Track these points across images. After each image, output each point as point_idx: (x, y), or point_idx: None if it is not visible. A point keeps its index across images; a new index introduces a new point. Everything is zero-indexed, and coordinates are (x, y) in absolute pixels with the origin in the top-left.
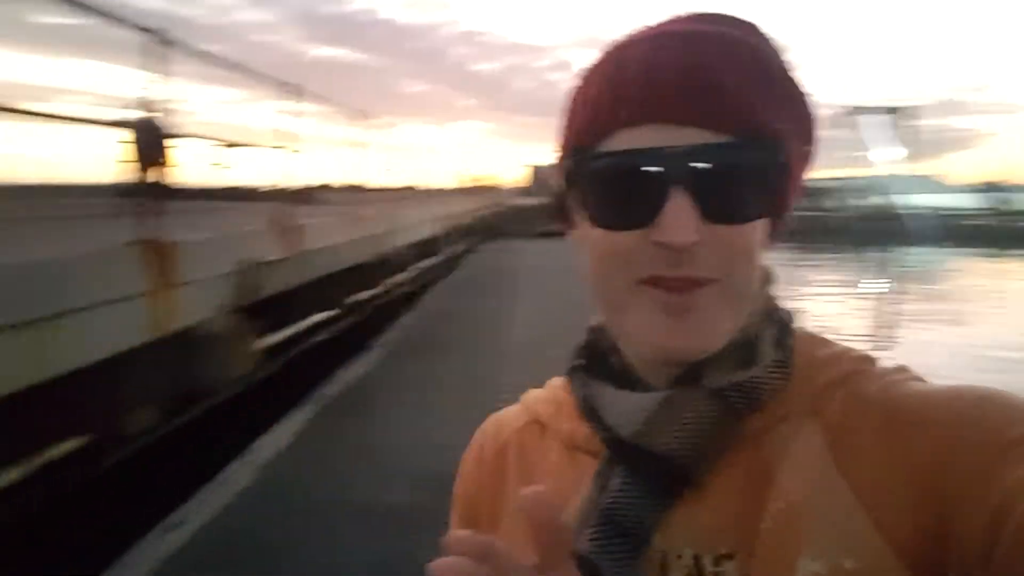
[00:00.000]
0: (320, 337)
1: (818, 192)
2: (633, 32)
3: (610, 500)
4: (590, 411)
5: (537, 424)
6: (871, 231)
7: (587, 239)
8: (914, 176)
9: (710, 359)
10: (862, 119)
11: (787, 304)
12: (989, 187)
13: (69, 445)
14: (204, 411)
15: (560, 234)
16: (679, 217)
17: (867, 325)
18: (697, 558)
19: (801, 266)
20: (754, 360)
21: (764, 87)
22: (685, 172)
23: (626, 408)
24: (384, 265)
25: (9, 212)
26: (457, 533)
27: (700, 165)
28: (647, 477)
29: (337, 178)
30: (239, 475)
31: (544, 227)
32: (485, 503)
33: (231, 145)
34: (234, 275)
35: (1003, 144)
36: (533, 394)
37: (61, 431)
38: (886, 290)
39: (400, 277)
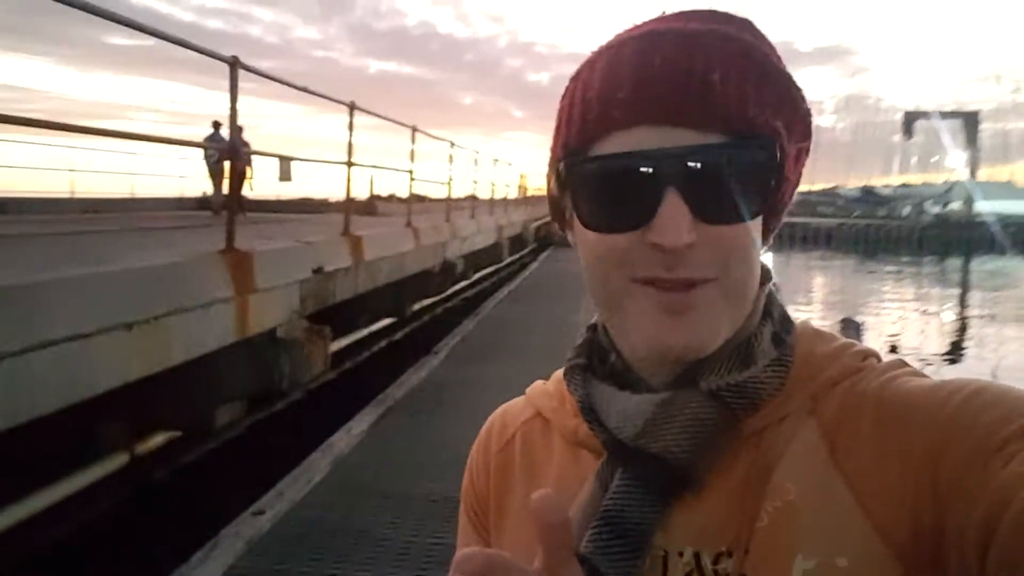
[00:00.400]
0: (388, 341)
1: (893, 199)
2: (624, 31)
3: (610, 502)
4: (589, 411)
5: (541, 418)
6: (948, 239)
7: (583, 240)
8: (990, 182)
9: (708, 360)
10: (933, 124)
11: (785, 301)
12: None
13: (162, 438)
14: (283, 408)
15: None
16: (673, 219)
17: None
18: (697, 556)
19: (875, 277)
20: (752, 360)
21: (756, 85)
22: (678, 173)
23: (625, 410)
24: (446, 273)
25: (101, 224)
26: (464, 553)
27: (693, 166)
28: (647, 479)
29: (400, 189)
30: (315, 468)
31: None
32: (492, 497)
33: (298, 160)
34: (306, 282)
35: None
36: (537, 387)
37: (156, 424)
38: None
39: (460, 285)
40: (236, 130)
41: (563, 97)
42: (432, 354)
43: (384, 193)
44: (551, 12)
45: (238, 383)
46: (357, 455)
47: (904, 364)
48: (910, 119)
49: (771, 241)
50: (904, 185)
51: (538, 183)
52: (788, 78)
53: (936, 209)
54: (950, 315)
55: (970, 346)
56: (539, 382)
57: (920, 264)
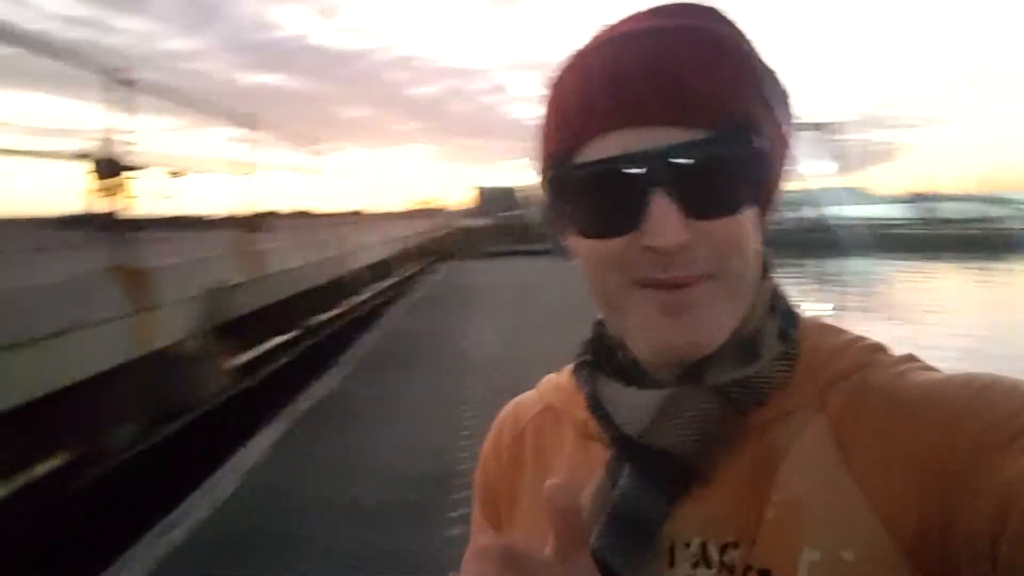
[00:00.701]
0: (288, 356)
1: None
2: (595, 35)
3: (618, 496)
4: (597, 407)
5: (552, 411)
6: (807, 243)
7: (579, 246)
8: (844, 188)
9: (713, 355)
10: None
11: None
12: (916, 197)
13: (56, 460)
14: (185, 425)
15: (511, 253)
16: (664, 220)
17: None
18: (704, 546)
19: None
20: (758, 354)
21: (730, 75)
22: (663, 173)
23: (632, 406)
24: (341, 287)
25: None
26: (479, 547)
27: (677, 163)
28: (654, 474)
29: (286, 204)
30: (224, 482)
31: (494, 247)
32: (504, 488)
33: (180, 174)
34: (202, 298)
35: (922, 156)
36: (549, 380)
37: (50, 447)
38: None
39: (357, 299)
40: (121, 145)
41: (546, 101)
42: (336, 366)
43: (274, 209)
44: (431, 27)
45: (138, 401)
46: (267, 467)
47: (914, 358)
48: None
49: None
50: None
51: (429, 196)
52: (760, 63)
53: (791, 215)
54: (828, 309)
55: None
56: (551, 375)
57: (778, 266)
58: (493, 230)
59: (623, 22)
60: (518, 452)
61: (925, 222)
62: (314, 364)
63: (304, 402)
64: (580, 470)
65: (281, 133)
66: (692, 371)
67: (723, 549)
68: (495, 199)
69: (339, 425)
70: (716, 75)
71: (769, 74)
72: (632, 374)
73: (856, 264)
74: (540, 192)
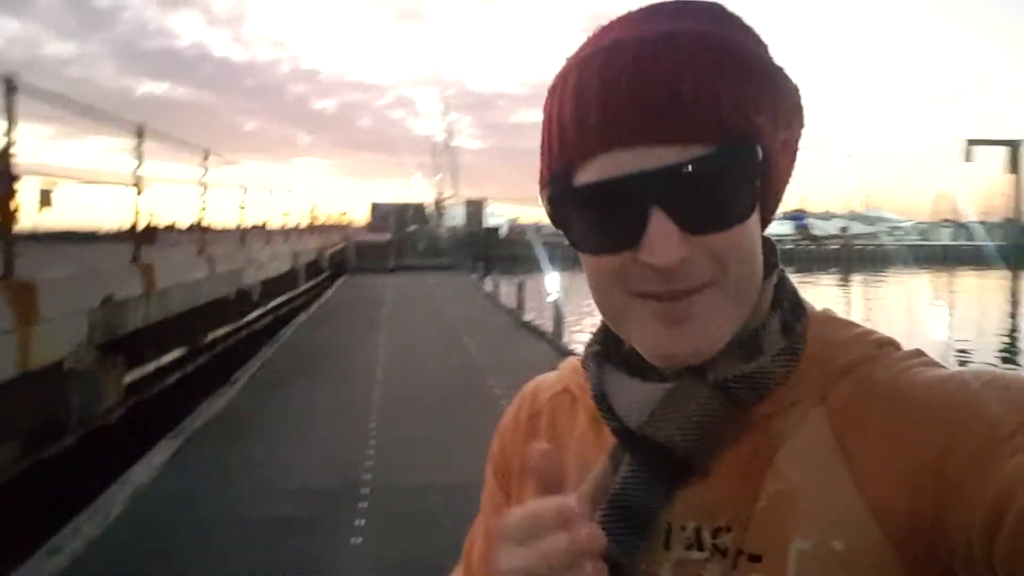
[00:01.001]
0: (183, 372)
1: None
2: (592, 38)
3: (618, 486)
4: (601, 398)
5: (569, 393)
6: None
7: (582, 258)
8: None
9: (703, 360)
10: None
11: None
12: (794, 215)
13: None
14: (74, 443)
15: (415, 268)
16: (661, 238)
17: None
18: (698, 530)
19: None
20: (760, 350)
21: (732, 82)
22: (660, 192)
23: (634, 398)
24: (242, 300)
25: None
26: (503, 521)
27: (674, 182)
28: (652, 466)
29: (183, 217)
30: (112, 503)
31: (399, 262)
32: (517, 463)
33: (65, 184)
34: (93, 312)
35: (804, 175)
36: (570, 363)
37: None
38: None
39: (257, 313)
40: (6, 155)
41: (543, 111)
42: (231, 383)
43: (169, 222)
44: (335, 40)
45: (24, 419)
46: (157, 487)
47: (922, 354)
48: None
49: (767, 228)
50: None
51: (330, 210)
52: (766, 63)
53: None
54: None
55: None
56: (572, 358)
57: None
58: (397, 245)
59: (616, 26)
60: (533, 429)
61: (804, 238)
62: (210, 380)
63: (198, 419)
64: (590, 453)
65: (175, 144)
66: (695, 366)
67: (715, 533)
68: (389, 214)
69: (235, 441)
70: (714, 85)
71: (775, 74)
72: (637, 366)
73: None
74: (442, 207)
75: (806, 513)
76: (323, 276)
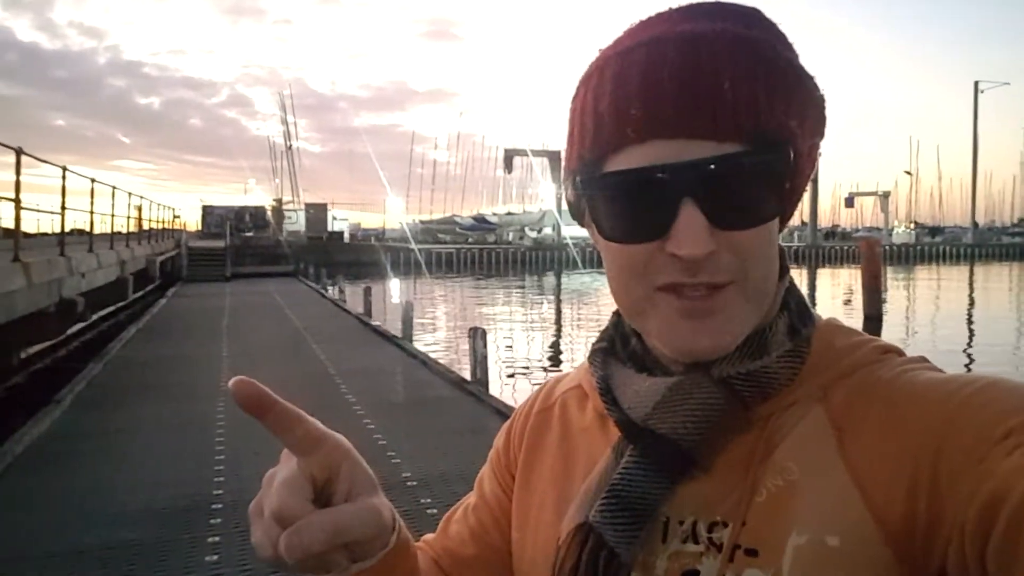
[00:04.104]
0: None
1: (500, 226)
2: (630, 32)
3: (618, 476)
4: (606, 391)
5: (581, 389)
6: (543, 259)
7: (604, 249)
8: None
9: (720, 356)
10: (528, 160)
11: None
12: None
13: None
14: None
15: (255, 275)
16: (691, 230)
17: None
18: (695, 524)
19: (485, 295)
20: (765, 350)
21: (768, 85)
22: (693, 184)
23: (638, 391)
24: (64, 313)
25: None
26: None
27: (708, 176)
28: (654, 457)
29: None
30: None
31: (235, 270)
32: (522, 453)
33: None
34: None
35: None
36: (586, 362)
37: None
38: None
39: (82, 325)
40: None
41: (573, 101)
42: (54, 403)
43: None
44: (161, 32)
45: None
46: None
47: (925, 360)
48: (509, 155)
49: (785, 230)
50: (509, 213)
51: (157, 215)
52: (799, 70)
53: (533, 234)
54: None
55: (566, 340)
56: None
57: (523, 281)
58: (233, 251)
59: (655, 22)
60: (543, 422)
61: None
62: (29, 400)
63: (17, 443)
64: (596, 447)
65: None
66: (701, 363)
67: (711, 527)
68: (224, 219)
69: (61, 467)
70: (752, 86)
71: (806, 82)
72: (644, 362)
73: (579, 277)
74: (282, 212)
75: (803, 508)
76: (154, 285)
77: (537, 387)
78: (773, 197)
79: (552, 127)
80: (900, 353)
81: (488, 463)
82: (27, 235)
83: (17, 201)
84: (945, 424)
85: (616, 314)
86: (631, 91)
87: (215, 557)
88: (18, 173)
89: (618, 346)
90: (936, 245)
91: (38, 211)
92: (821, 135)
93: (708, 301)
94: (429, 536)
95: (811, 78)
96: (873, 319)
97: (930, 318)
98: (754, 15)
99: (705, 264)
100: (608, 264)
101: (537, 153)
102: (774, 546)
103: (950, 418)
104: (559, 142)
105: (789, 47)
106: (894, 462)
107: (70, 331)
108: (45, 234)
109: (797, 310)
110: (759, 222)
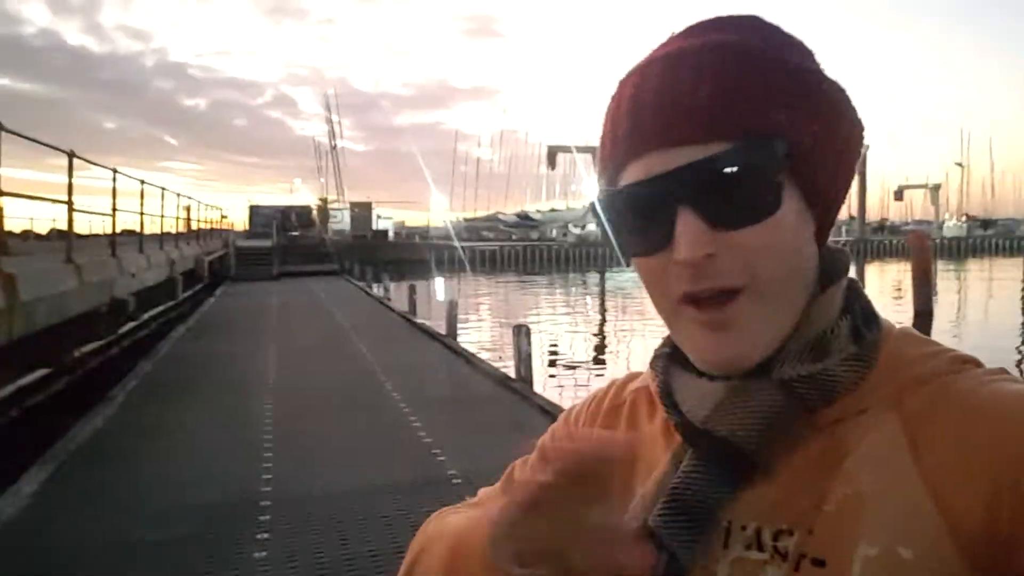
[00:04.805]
0: (52, 390)
1: (544, 223)
2: (639, 60)
3: (678, 480)
4: (667, 395)
5: (650, 391)
6: (587, 257)
7: (634, 265)
8: None
9: (783, 350)
10: (571, 156)
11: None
12: None
13: None
14: None
15: (301, 274)
16: (687, 234)
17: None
18: (759, 531)
19: (529, 291)
20: (827, 352)
21: (745, 84)
22: (685, 189)
23: (698, 395)
24: (116, 312)
25: None
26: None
27: (697, 179)
28: (713, 460)
29: (43, 223)
30: None
31: (281, 269)
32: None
33: None
34: None
35: None
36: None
37: None
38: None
39: (131, 325)
40: None
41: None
42: (107, 400)
43: (26, 228)
44: (205, 33)
45: None
46: (29, 519)
47: (1005, 372)
48: (552, 152)
49: (831, 236)
50: (552, 210)
51: (205, 215)
52: (790, 66)
53: (577, 231)
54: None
55: (610, 338)
56: None
57: (567, 278)
58: (280, 250)
59: (659, 47)
60: (613, 419)
61: None
62: (83, 398)
63: (71, 441)
64: (658, 449)
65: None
66: (761, 366)
67: (776, 535)
68: (270, 219)
69: (115, 461)
70: (735, 89)
71: (800, 75)
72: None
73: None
74: (327, 211)
75: (875, 519)
76: (203, 284)
77: (609, 382)
78: (769, 191)
79: (595, 123)
80: (979, 364)
81: (550, 439)
82: (79, 236)
83: (70, 203)
84: None
85: None
86: (624, 112)
87: (264, 553)
88: (70, 176)
89: (680, 351)
90: (988, 238)
91: (90, 212)
92: (839, 126)
93: (723, 311)
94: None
95: (811, 71)
96: (924, 314)
97: (982, 312)
98: (747, 22)
99: (706, 268)
100: (640, 279)
101: (580, 149)
102: (842, 557)
103: None
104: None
105: (786, 46)
106: (974, 474)
107: (122, 330)
108: (97, 235)
109: (862, 314)
110: (757, 217)
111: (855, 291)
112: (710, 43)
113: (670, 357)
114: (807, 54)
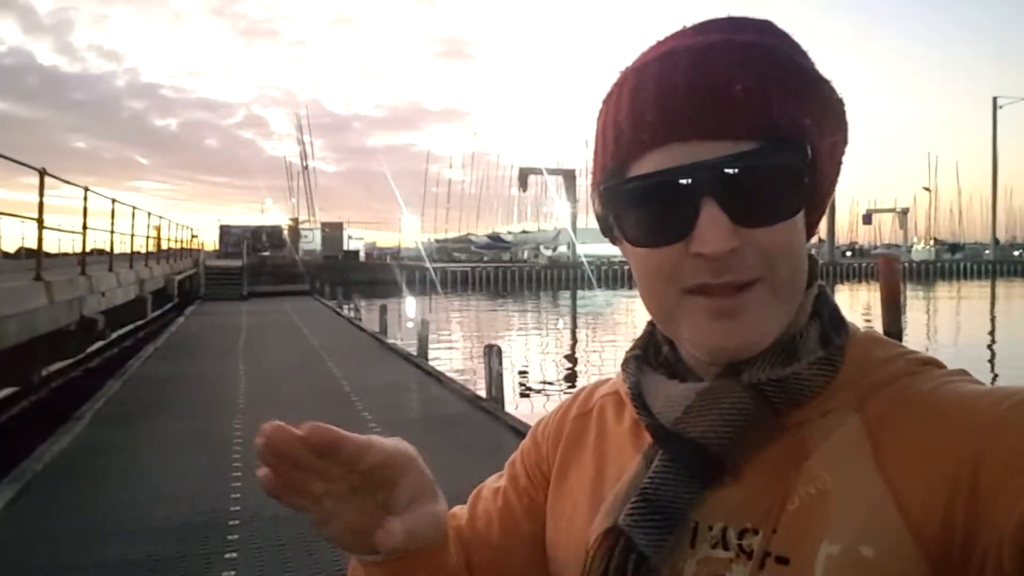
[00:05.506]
0: (19, 408)
1: (515, 244)
2: (647, 51)
3: (648, 480)
4: (638, 397)
5: (619, 395)
6: (558, 278)
7: (632, 256)
8: (587, 228)
9: (753, 355)
10: (543, 178)
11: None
12: None
13: None
14: None
15: (271, 294)
16: (712, 228)
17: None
18: (725, 530)
19: (504, 311)
20: (796, 356)
21: (779, 87)
22: (712, 183)
23: (669, 397)
24: (85, 331)
25: None
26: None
27: (726, 174)
28: (683, 461)
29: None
30: None
31: (251, 289)
32: (557, 457)
33: None
34: None
35: None
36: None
37: None
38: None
39: (102, 343)
40: None
41: (597, 120)
42: (74, 420)
43: None
44: (177, 54)
45: None
46: None
47: (965, 373)
48: (524, 174)
49: (816, 235)
50: (524, 231)
51: (176, 234)
52: (812, 74)
53: (548, 252)
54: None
55: (581, 358)
56: None
57: (538, 299)
58: (250, 270)
59: (670, 40)
60: (581, 427)
61: None
62: (50, 416)
63: (38, 459)
64: (628, 452)
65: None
66: (731, 369)
67: (741, 534)
68: (241, 238)
69: (81, 482)
70: (764, 88)
71: (820, 85)
72: (676, 369)
73: (595, 296)
74: (298, 231)
75: (837, 517)
76: (172, 303)
77: (578, 390)
78: (794, 193)
79: (566, 145)
80: (940, 365)
81: (520, 452)
82: (49, 255)
83: (40, 221)
84: (986, 436)
85: (651, 323)
86: (647, 99)
87: (232, 573)
88: (41, 194)
89: (651, 354)
90: (956, 262)
91: (60, 230)
92: (843, 137)
93: (736, 299)
94: (458, 508)
95: (827, 81)
96: (893, 336)
97: (951, 335)
98: (766, 25)
99: (730, 262)
100: (637, 271)
101: (552, 171)
102: (805, 555)
103: (991, 430)
104: (573, 160)
105: (803, 53)
106: (932, 472)
107: (90, 349)
108: (66, 254)
109: (830, 318)
110: (780, 218)
111: (823, 296)
112: (738, 41)
113: (641, 359)
114: (815, 64)
